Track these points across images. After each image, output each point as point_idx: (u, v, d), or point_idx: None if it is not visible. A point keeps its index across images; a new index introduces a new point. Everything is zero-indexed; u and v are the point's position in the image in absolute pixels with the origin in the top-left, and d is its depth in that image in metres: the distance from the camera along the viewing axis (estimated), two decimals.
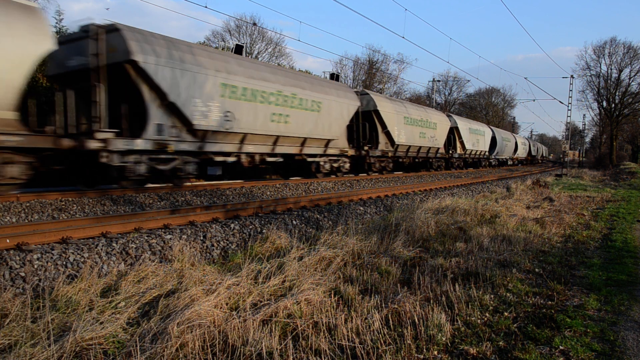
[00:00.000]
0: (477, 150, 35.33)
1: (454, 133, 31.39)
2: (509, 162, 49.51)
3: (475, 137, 34.88)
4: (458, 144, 32.27)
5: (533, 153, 67.55)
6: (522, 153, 55.99)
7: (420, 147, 25.09)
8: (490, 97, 77.70)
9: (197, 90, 11.52)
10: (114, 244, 5.72)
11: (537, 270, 5.67)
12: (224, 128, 12.36)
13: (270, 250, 6.22)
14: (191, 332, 3.31)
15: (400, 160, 23.89)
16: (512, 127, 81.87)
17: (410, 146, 23.90)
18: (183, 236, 6.43)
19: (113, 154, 10.04)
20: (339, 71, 46.96)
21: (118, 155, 10.13)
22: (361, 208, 10.22)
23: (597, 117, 56.21)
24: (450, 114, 32.04)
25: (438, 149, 27.38)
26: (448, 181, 19.59)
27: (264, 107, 13.70)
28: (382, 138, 21.27)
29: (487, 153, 38.56)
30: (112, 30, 10.18)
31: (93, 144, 9.66)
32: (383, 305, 4.06)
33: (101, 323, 3.52)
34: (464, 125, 32.95)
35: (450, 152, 31.03)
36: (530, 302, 4.53)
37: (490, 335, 3.71)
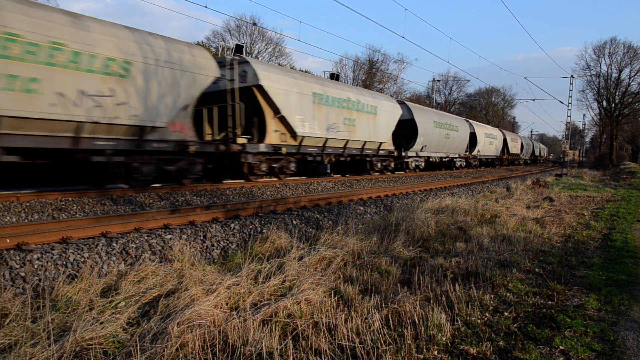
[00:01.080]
0: (351, 141, 18.49)
1: (255, 100, 14.39)
2: (458, 164, 32.41)
3: (344, 114, 17.83)
4: (271, 125, 14.72)
5: (513, 151, 48.56)
6: (488, 150, 38.26)
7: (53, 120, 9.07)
8: (490, 97, 77.78)
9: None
10: (114, 244, 5.72)
11: (537, 270, 5.67)
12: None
13: (270, 250, 6.22)
14: (191, 332, 3.31)
15: None
16: (512, 126, 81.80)
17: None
18: (183, 236, 6.43)
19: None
20: (339, 71, 46.99)
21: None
22: (361, 208, 10.22)
23: (597, 117, 56.32)
24: (246, 58, 14.49)
25: (153, 128, 10.91)
26: (448, 181, 19.60)
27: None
28: None
29: (389, 147, 21.70)
30: None
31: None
32: (383, 305, 4.06)
33: (101, 323, 3.52)
34: (294, 86, 15.43)
35: (240, 142, 13.57)
36: (530, 302, 4.53)
37: (490, 335, 3.71)
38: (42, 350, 3.09)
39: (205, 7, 19.92)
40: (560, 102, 79.95)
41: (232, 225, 7.34)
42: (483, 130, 37.32)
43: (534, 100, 72.74)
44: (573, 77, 40.48)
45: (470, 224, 8.28)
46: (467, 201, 11.18)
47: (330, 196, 11.24)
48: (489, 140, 38.67)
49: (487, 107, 77.48)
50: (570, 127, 45.37)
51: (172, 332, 3.28)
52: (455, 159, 31.83)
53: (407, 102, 24.98)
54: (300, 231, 7.70)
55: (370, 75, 52.76)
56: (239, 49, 15.51)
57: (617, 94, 50.08)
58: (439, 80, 62.86)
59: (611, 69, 49.83)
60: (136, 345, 3.14)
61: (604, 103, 51.75)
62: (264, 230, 7.31)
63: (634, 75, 48.22)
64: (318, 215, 8.86)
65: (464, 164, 33.98)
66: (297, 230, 7.70)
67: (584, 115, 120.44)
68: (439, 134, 27.29)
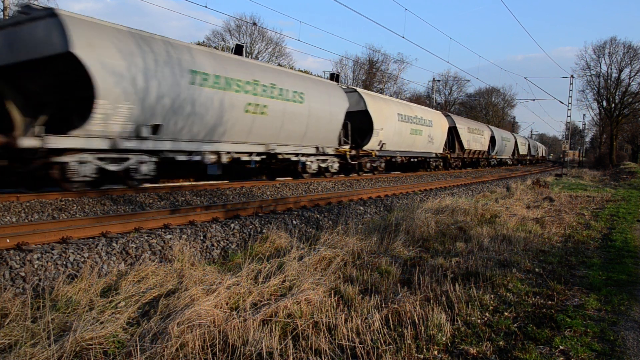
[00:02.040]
0: None
1: None
2: (313, 166, 16.65)
3: None
4: None
5: (474, 147, 33.16)
6: (410, 143, 23.12)
7: None
8: (490, 97, 77.80)
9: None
10: (114, 244, 5.72)
11: (537, 270, 5.67)
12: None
13: (270, 250, 6.22)
14: (191, 332, 3.31)
15: None
16: (512, 126, 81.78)
17: None
18: (183, 236, 6.43)
19: None
20: (339, 71, 46.98)
21: None
22: (361, 208, 10.22)
23: (597, 116, 56.41)
24: None
25: None
26: (448, 181, 19.61)
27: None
28: None
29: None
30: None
31: None
32: (383, 305, 4.06)
33: (101, 323, 3.52)
34: None
35: None
36: (531, 302, 4.53)
37: (490, 335, 3.71)
38: (42, 350, 3.08)
39: (205, 7, 20.02)
40: (560, 102, 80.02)
41: (232, 225, 7.33)
42: (394, 110, 21.29)
43: (534, 100, 72.63)
44: (573, 77, 40.53)
45: (470, 224, 8.28)
46: (467, 201, 11.18)
47: (330, 196, 11.24)
48: (412, 128, 22.72)
49: (487, 107, 77.50)
50: (570, 127, 45.32)
51: (172, 332, 3.28)
52: (305, 158, 16.22)
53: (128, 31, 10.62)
54: (300, 231, 7.70)
55: (370, 75, 52.76)
56: (238, 49, 15.51)
57: (617, 94, 50.20)
58: (439, 80, 62.86)
59: (611, 69, 49.98)
60: (136, 345, 3.14)
61: (604, 103, 51.86)
62: (264, 230, 7.31)
63: (634, 75, 48.42)
64: (318, 215, 8.86)
65: (336, 165, 17.88)
66: (297, 230, 7.70)
67: (584, 115, 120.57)
68: (240, 105, 12.80)
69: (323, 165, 17.30)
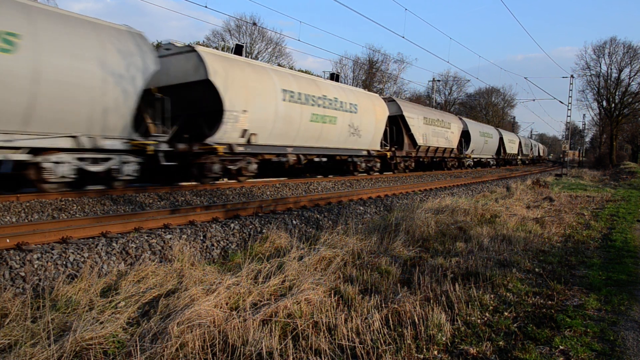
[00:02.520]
0: None
1: None
2: (70, 169, 9.17)
3: None
4: None
5: (432, 143, 25.49)
6: (305, 134, 15.20)
7: None
8: (490, 97, 77.80)
9: None
10: (114, 244, 5.72)
11: (537, 270, 5.67)
12: None
13: (270, 250, 6.22)
14: (191, 332, 3.31)
15: None
16: (512, 126, 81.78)
17: None
18: (183, 236, 6.43)
19: None
20: (339, 71, 46.99)
21: None
22: (361, 208, 10.22)
23: (597, 116, 56.41)
24: None
25: None
26: (448, 181, 19.63)
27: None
28: None
29: None
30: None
31: None
32: (383, 305, 4.06)
33: (101, 323, 3.52)
34: None
35: None
36: (530, 301, 4.53)
37: (490, 335, 3.71)
38: (42, 350, 3.08)
39: (205, 7, 20.03)
40: (560, 102, 79.88)
41: (232, 225, 7.33)
42: (275, 84, 14.09)
43: (534, 100, 72.26)
44: (573, 77, 40.51)
45: (470, 224, 8.28)
46: (467, 201, 11.19)
47: (330, 196, 11.24)
48: (315, 113, 15.78)
49: (487, 107, 77.53)
50: (570, 127, 45.29)
51: (172, 332, 3.28)
52: (38, 157, 9.14)
53: None
54: (300, 231, 7.69)
55: (370, 75, 52.79)
56: (238, 49, 15.50)
57: (617, 94, 50.18)
58: (439, 80, 62.84)
59: (611, 69, 49.95)
60: (136, 345, 3.14)
61: (604, 103, 51.85)
62: (264, 230, 7.31)
63: (634, 75, 48.38)
64: (318, 215, 8.86)
65: (129, 168, 10.79)
66: (297, 230, 7.69)
67: (584, 115, 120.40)
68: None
69: (94, 168, 10.21)
